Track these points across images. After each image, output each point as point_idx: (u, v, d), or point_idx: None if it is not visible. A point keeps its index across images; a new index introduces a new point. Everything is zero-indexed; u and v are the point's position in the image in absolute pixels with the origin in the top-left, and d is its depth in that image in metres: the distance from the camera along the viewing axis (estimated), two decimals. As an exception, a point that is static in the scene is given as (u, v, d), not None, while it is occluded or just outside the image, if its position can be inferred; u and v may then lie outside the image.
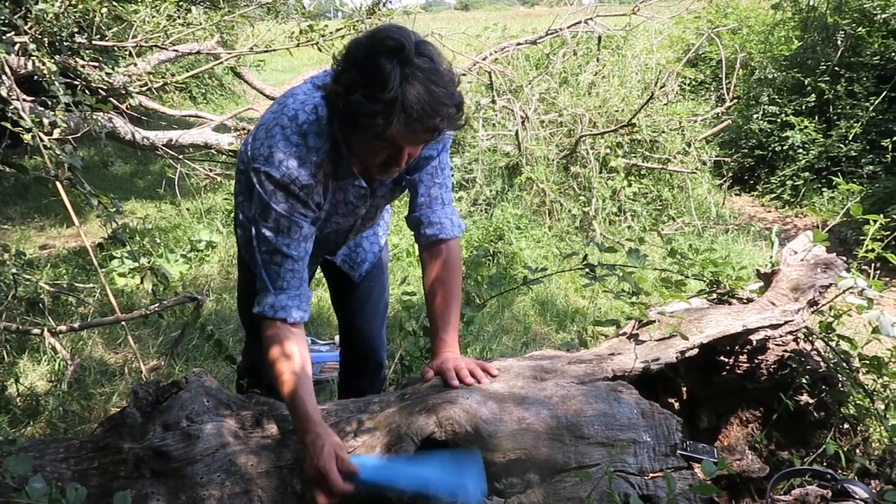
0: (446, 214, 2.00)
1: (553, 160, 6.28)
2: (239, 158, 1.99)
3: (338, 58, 1.62)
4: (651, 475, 1.73)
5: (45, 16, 3.56)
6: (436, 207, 1.99)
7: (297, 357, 1.72)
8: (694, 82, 8.99)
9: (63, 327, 3.16)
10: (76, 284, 3.90)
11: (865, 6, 7.36)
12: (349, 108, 1.55)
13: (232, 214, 5.64)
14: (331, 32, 4.94)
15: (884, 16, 7.16)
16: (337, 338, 3.78)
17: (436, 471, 1.59)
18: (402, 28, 1.59)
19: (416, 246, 2.08)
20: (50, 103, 3.29)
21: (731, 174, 7.99)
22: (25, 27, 3.61)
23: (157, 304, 3.04)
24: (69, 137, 3.36)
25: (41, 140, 2.75)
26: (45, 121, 3.19)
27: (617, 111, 6.44)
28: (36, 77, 3.60)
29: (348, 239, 2.18)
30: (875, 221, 2.33)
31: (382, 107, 1.50)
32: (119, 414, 1.74)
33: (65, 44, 3.94)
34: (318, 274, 2.44)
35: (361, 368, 2.55)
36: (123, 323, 3.13)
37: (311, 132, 1.69)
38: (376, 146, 1.63)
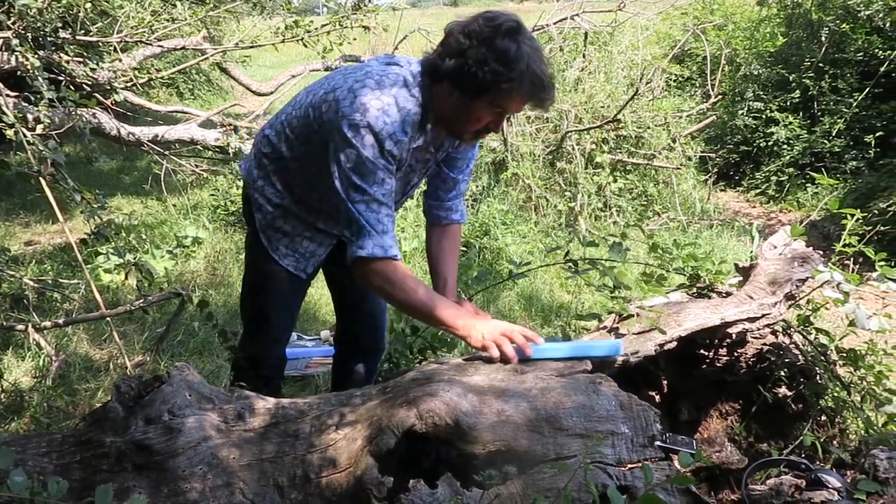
0: (461, 201, 2.37)
1: (539, 156, 6.30)
2: (289, 125, 2.09)
3: (457, 36, 1.82)
4: (629, 466, 1.75)
5: (29, 11, 3.55)
6: (461, 198, 2.36)
7: (424, 284, 1.95)
8: (680, 78, 9.02)
9: (48, 323, 3.15)
10: (61, 281, 3.89)
11: (849, 3, 7.44)
12: (479, 78, 1.79)
13: (218, 210, 5.67)
14: (316, 29, 4.94)
15: (867, 12, 7.23)
16: (323, 333, 3.80)
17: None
18: (508, 12, 1.86)
19: (429, 225, 2.39)
20: (33, 99, 3.28)
21: (716, 170, 8.05)
22: (8, 22, 3.59)
23: (142, 300, 3.04)
24: (53, 133, 3.34)
25: (24, 136, 2.74)
26: (30, 116, 3.18)
27: (603, 107, 6.47)
28: (19, 73, 3.58)
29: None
30: (853, 216, 2.36)
31: (516, 76, 1.77)
32: (101, 408, 1.75)
33: (48, 39, 3.93)
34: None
35: (367, 353, 2.65)
36: (108, 319, 3.13)
37: (402, 96, 1.88)
38: (485, 112, 1.88)
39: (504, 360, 1.89)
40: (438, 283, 2.35)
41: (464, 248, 5.15)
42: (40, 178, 2.74)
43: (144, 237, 5.09)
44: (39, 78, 3.22)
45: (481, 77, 1.79)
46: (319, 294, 4.36)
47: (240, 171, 2.35)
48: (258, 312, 2.38)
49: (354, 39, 5.42)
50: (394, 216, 1.93)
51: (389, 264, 1.89)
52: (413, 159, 2.05)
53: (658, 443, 1.80)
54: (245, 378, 2.31)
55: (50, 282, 3.91)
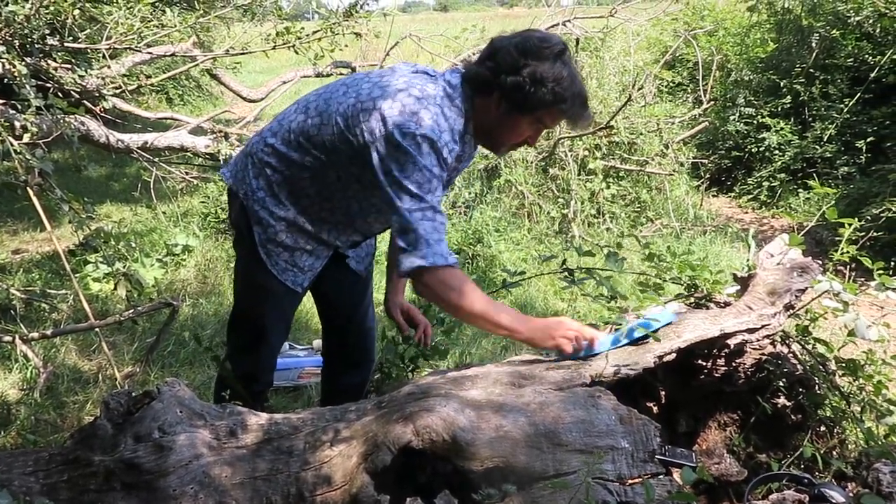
0: None
1: (532, 162, 6.28)
2: (309, 135, 2.05)
3: (511, 52, 1.88)
4: (629, 482, 1.72)
5: (16, 17, 3.50)
6: None
7: (482, 291, 1.97)
8: (671, 84, 9.04)
9: (35, 334, 3.10)
10: (49, 291, 3.83)
11: (839, 9, 7.46)
12: (538, 97, 1.87)
13: (208, 217, 5.62)
14: (307, 35, 4.90)
15: (857, 18, 7.25)
16: (315, 342, 3.76)
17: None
18: (553, 34, 2.00)
19: None
20: (20, 107, 3.23)
21: (708, 175, 8.05)
22: (-5, 29, 3.55)
23: (131, 311, 2.99)
24: (41, 141, 3.30)
25: (11, 145, 2.70)
26: (17, 124, 3.14)
27: (595, 113, 6.45)
28: (6, 80, 3.54)
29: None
30: (849, 225, 2.34)
31: (569, 98, 1.89)
32: (90, 425, 1.71)
33: (36, 46, 3.88)
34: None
35: (358, 365, 2.61)
36: (98, 329, 3.09)
37: (446, 105, 1.92)
38: (528, 127, 1.97)
39: (575, 354, 1.98)
40: (394, 275, 2.46)
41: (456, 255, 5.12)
42: (27, 188, 2.70)
43: (134, 245, 5.02)
44: (27, 85, 3.18)
45: (538, 97, 1.86)
46: (311, 303, 4.30)
47: (224, 181, 2.26)
48: (256, 328, 2.31)
49: (346, 46, 5.39)
50: (447, 223, 1.96)
51: (449, 272, 1.90)
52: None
53: (658, 456, 1.78)
54: (235, 395, 2.26)
55: (38, 291, 3.86)
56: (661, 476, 1.74)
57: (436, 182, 1.87)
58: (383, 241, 4.75)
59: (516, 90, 1.87)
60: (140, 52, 5.06)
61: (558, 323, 1.98)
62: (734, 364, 2.24)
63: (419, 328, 2.48)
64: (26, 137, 2.95)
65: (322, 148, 2.01)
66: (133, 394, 1.78)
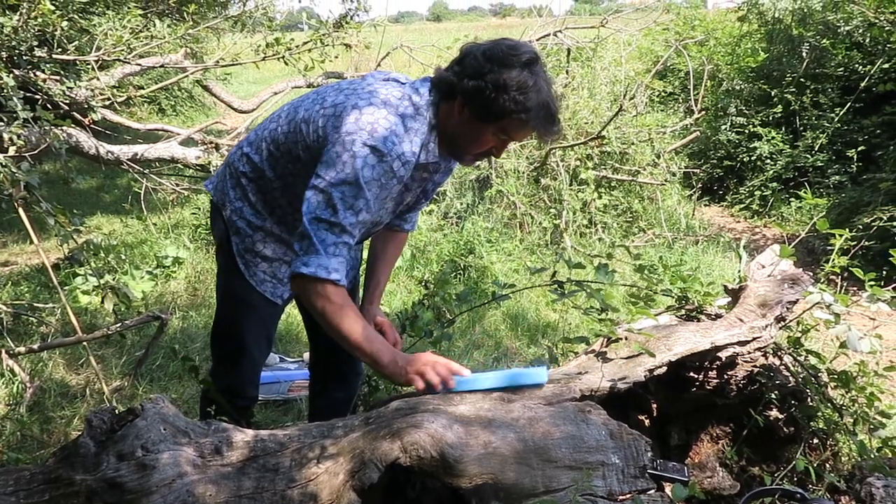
0: (417, 214, 2.41)
1: (523, 173, 6.27)
2: (280, 141, 2.02)
3: (477, 57, 1.81)
4: (620, 498, 1.70)
5: (3, 29, 3.48)
6: (418, 210, 2.38)
7: (359, 314, 1.89)
8: (663, 94, 9.06)
9: (22, 348, 3.07)
10: (36, 305, 3.80)
11: (829, 19, 7.49)
12: (498, 104, 1.79)
13: (199, 229, 5.59)
14: (297, 46, 4.89)
15: (847, 28, 7.29)
16: (305, 355, 3.73)
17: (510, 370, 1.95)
18: (525, 42, 1.88)
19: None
20: (6, 119, 3.21)
21: (700, 185, 8.05)
22: (-17, 41, 3.53)
23: (119, 324, 2.97)
24: (28, 154, 3.27)
25: (-3, 157, 2.68)
26: (5, 136, 3.11)
27: (587, 123, 6.45)
28: (-7, 92, 3.51)
29: (371, 235, 2.26)
30: (841, 236, 2.33)
31: (532, 107, 1.79)
32: (72, 444, 1.68)
33: (24, 58, 3.86)
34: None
35: (345, 378, 2.57)
36: (85, 343, 3.06)
37: (408, 115, 1.86)
38: (491, 137, 1.88)
39: (429, 389, 1.85)
40: (371, 284, 2.36)
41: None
42: (13, 201, 2.67)
43: (124, 257, 4.99)
44: (14, 97, 3.16)
45: (500, 104, 1.78)
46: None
47: (207, 192, 2.24)
48: (235, 341, 2.27)
49: (336, 57, 5.38)
50: (352, 245, 1.86)
51: (329, 287, 1.81)
52: (411, 178, 2.00)
53: (650, 470, 1.76)
54: (220, 410, 2.23)
55: (26, 305, 3.82)
56: (651, 492, 1.72)
57: (361, 202, 1.79)
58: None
59: (477, 95, 1.80)
60: (129, 63, 5.04)
61: (415, 358, 1.86)
62: (726, 376, 2.23)
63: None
64: (12, 150, 2.93)
65: (289, 156, 1.98)
66: (116, 411, 1.75)
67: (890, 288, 2.32)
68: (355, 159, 1.76)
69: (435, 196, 6.12)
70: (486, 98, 1.79)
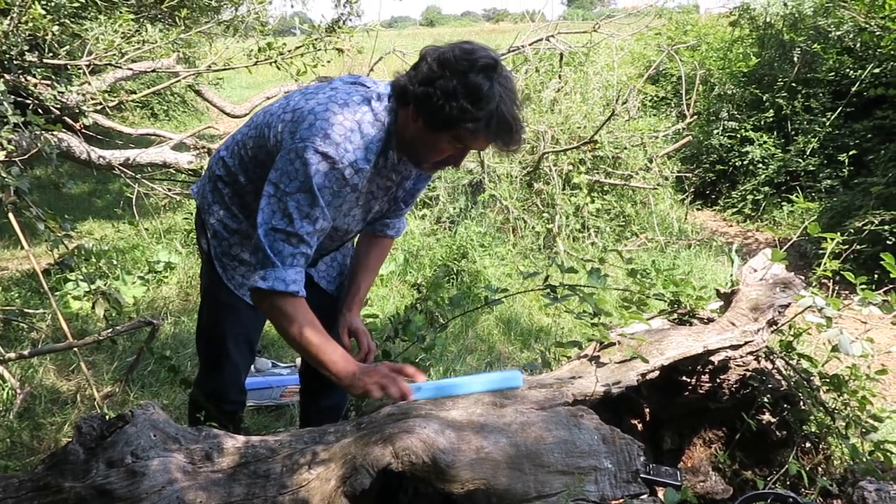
0: (402, 220, 2.31)
1: (516, 177, 6.27)
2: (243, 147, 2.01)
3: (430, 63, 1.73)
4: (613, 502, 1.70)
5: (-6, 34, 3.47)
6: (401, 216, 2.29)
7: (318, 325, 1.82)
8: (655, 98, 9.08)
9: (12, 354, 3.05)
10: (27, 310, 3.77)
11: (820, 23, 7.53)
12: (446, 112, 1.70)
13: (191, 234, 5.57)
14: (289, 51, 4.89)
15: (838, 33, 7.33)
16: (298, 360, 3.72)
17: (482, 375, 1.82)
18: (487, 47, 1.77)
19: (363, 233, 2.28)
20: (-3, 124, 3.20)
21: (692, 189, 8.07)
22: (-27, 46, 3.51)
23: (110, 330, 2.95)
24: (19, 159, 3.26)
25: (-14, 163, 2.67)
26: (-4, 141, 3.10)
27: (579, 128, 6.46)
28: (-16, 97, 3.49)
29: (344, 242, 2.23)
30: (832, 240, 2.34)
31: (483, 117, 1.69)
32: (61, 450, 1.67)
33: (14, 62, 3.84)
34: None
35: (333, 386, 2.50)
36: (76, 349, 3.04)
37: (366, 121, 1.79)
38: (447, 145, 1.80)
39: (392, 396, 1.78)
40: (350, 290, 2.29)
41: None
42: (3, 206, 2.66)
43: (116, 262, 4.98)
44: (4, 102, 3.14)
45: (447, 111, 1.69)
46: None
47: (193, 196, 2.23)
48: (216, 345, 2.26)
49: (329, 61, 5.38)
50: (310, 255, 1.82)
51: (288, 299, 1.77)
52: (374, 185, 1.95)
53: (642, 475, 1.75)
54: (208, 416, 2.22)
55: (16, 310, 3.80)
56: (644, 496, 1.72)
57: (317, 211, 1.75)
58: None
59: (425, 101, 1.72)
60: (121, 67, 5.03)
61: (374, 369, 1.79)
62: (718, 380, 2.23)
63: (360, 352, 2.27)
64: (2, 155, 2.91)
65: (255, 161, 1.97)
66: (107, 417, 1.74)
67: (881, 291, 2.33)
68: (307, 166, 1.72)
69: (428, 201, 6.13)
70: (434, 105, 1.71)
